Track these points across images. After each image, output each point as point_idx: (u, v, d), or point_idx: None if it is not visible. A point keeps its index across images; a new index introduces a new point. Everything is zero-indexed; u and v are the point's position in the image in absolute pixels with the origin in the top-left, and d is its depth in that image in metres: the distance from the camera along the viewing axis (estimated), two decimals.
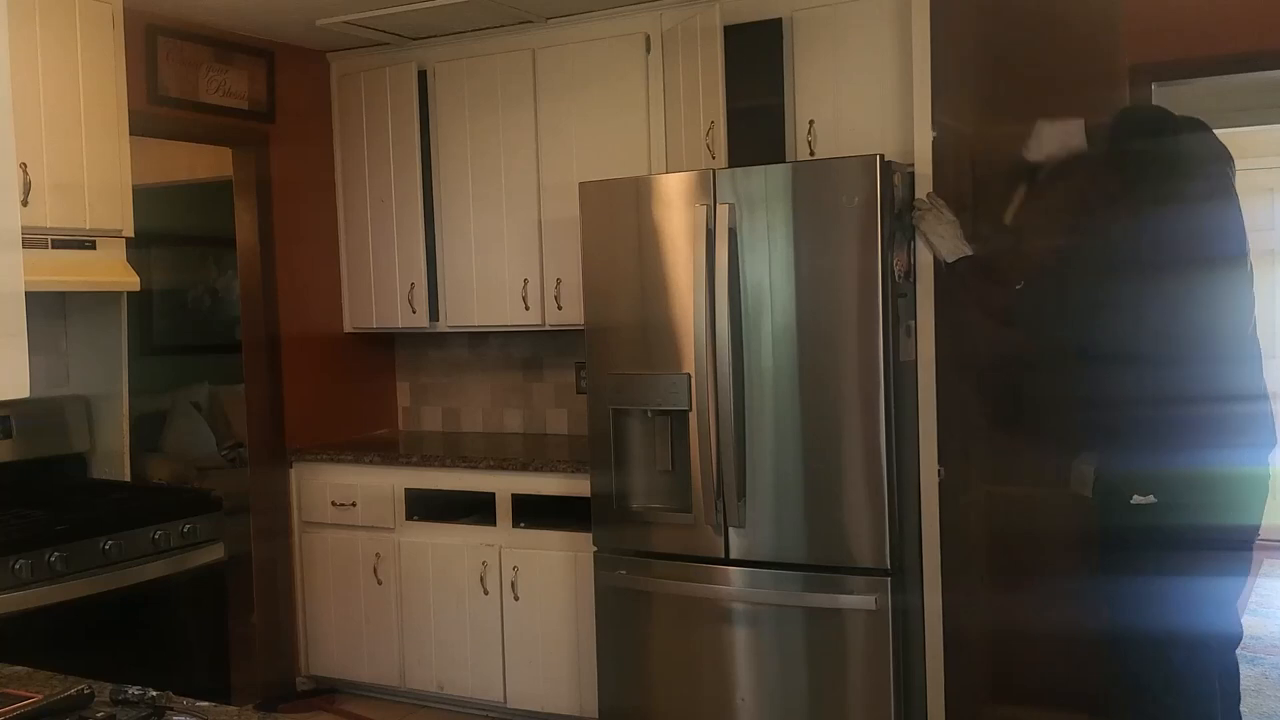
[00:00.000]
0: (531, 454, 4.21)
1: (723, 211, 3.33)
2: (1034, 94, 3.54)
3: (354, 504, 4.35)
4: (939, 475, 3.26)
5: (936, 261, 3.22)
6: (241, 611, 4.28)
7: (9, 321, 1.82)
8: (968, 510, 3.53)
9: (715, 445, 3.34)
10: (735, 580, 3.43)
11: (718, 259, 3.33)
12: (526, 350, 4.75)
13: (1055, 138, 3.19)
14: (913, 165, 3.29)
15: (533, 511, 4.03)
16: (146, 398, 5.87)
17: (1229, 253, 2.91)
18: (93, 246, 3.44)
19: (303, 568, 4.51)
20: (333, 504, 4.39)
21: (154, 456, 6.25)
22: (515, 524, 4.05)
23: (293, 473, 4.50)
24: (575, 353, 4.47)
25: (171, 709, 1.50)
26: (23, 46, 3.18)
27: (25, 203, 3.13)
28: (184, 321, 7.15)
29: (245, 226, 4.48)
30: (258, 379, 4.50)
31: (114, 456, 3.78)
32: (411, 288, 4.54)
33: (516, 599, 4.02)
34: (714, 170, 3.41)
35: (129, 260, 3.57)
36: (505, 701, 4.10)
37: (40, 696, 1.53)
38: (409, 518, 4.26)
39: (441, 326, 4.56)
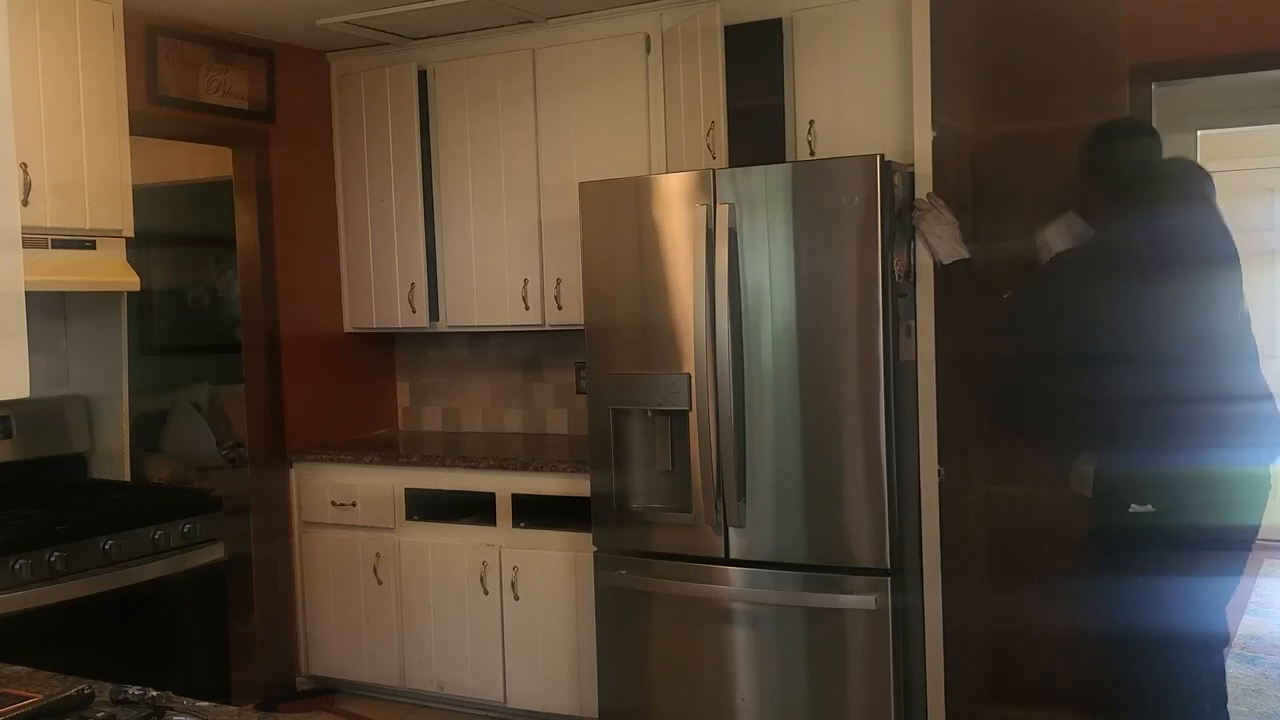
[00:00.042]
0: (531, 454, 4.21)
1: (723, 211, 3.33)
2: (1034, 94, 3.55)
3: (354, 504, 4.35)
4: (939, 475, 3.26)
5: (935, 261, 3.23)
6: (241, 611, 4.28)
7: (9, 321, 1.81)
8: (968, 510, 3.54)
9: (715, 445, 3.34)
10: (735, 580, 3.43)
11: (718, 259, 3.33)
12: (526, 350, 4.76)
13: (1060, 234, 3.18)
14: (913, 165, 3.29)
15: (533, 511, 4.03)
16: (146, 398, 5.87)
17: (1212, 254, 2.92)
18: (93, 246, 3.44)
19: (303, 568, 4.51)
20: (333, 504, 4.39)
21: (154, 456, 6.25)
22: (515, 524, 4.05)
23: (293, 473, 4.50)
24: (575, 353, 4.47)
25: (171, 709, 1.50)
26: (23, 46, 3.18)
27: (25, 203, 3.12)
28: (184, 321, 7.14)
29: (245, 226, 4.48)
30: (258, 379, 4.50)
31: (114, 456, 3.78)
32: (411, 288, 4.54)
33: (516, 599, 4.02)
34: (714, 170, 3.41)
35: (129, 260, 3.57)
36: (505, 701, 4.10)
37: (40, 696, 1.53)
38: (409, 518, 4.26)
39: (441, 326, 4.56)
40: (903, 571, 3.28)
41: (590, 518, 3.69)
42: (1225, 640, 3.06)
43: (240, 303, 4.60)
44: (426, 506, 4.25)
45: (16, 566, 2.95)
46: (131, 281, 3.57)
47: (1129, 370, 2.85)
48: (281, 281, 4.52)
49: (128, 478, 3.79)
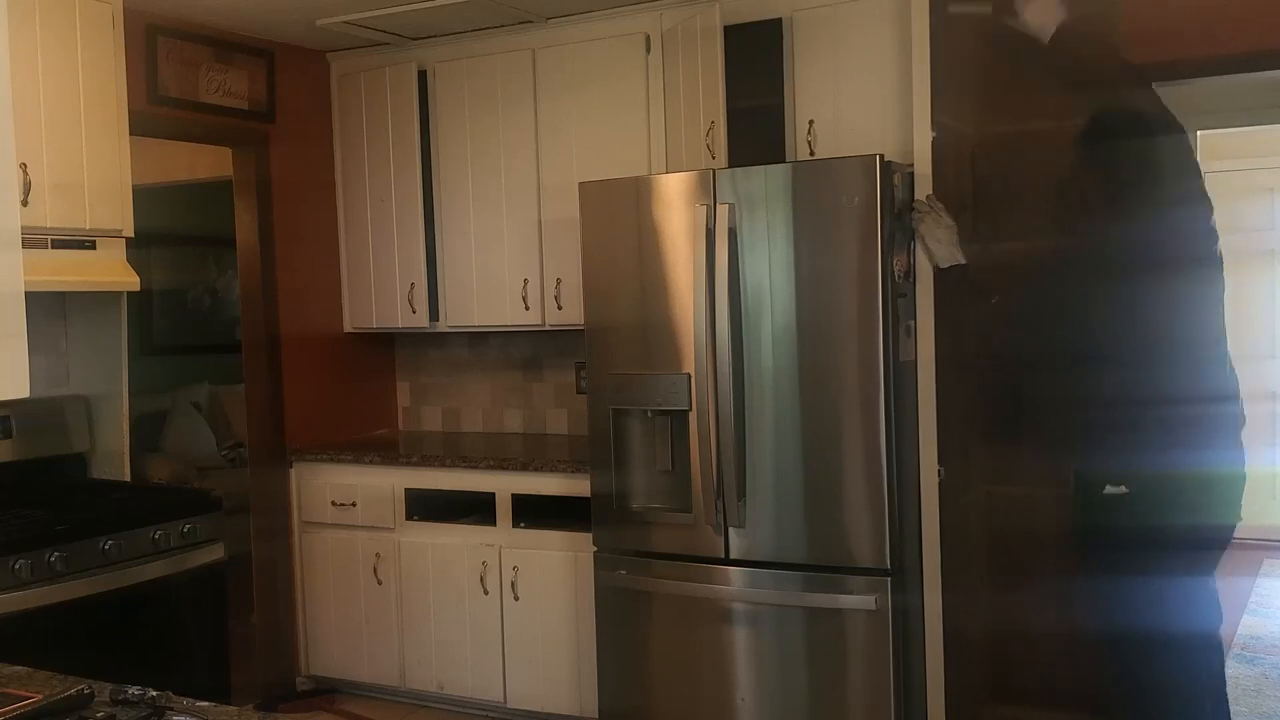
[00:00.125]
0: (531, 454, 4.21)
1: (723, 211, 3.33)
2: (1034, 94, 3.54)
3: (354, 504, 4.35)
4: (939, 475, 3.26)
5: (932, 265, 3.23)
6: (241, 611, 4.28)
7: (9, 321, 1.81)
8: (968, 510, 3.54)
9: (715, 445, 3.34)
10: (735, 580, 3.43)
11: (718, 259, 3.33)
12: (526, 350, 4.76)
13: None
14: (913, 165, 3.29)
15: (533, 511, 4.03)
16: (146, 398, 5.87)
17: (1199, 254, 2.93)
18: (93, 246, 3.44)
19: (303, 568, 4.51)
20: (333, 504, 4.39)
21: (154, 456, 6.25)
22: (515, 524, 4.05)
23: (293, 473, 4.51)
24: (575, 353, 4.47)
25: (171, 709, 1.50)
26: (23, 46, 3.18)
27: (25, 203, 3.12)
28: (184, 321, 7.14)
29: (245, 226, 4.48)
30: (258, 379, 4.50)
31: (114, 456, 3.78)
32: (411, 288, 4.54)
33: (516, 599, 4.02)
34: (714, 170, 3.41)
35: (129, 260, 3.57)
36: (505, 701, 4.10)
37: (40, 696, 1.53)
38: (409, 518, 4.26)
39: (441, 326, 4.56)
40: (903, 571, 3.28)
41: (590, 518, 3.70)
42: (1219, 626, 3.04)
43: (240, 303, 4.61)
44: (426, 506, 4.25)
45: (16, 566, 2.95)
46: (131, 281, 3.57)
47: (1114, 369, 2.87)
48: (281, 281, 4.52)
49: (128, 478, 3.79)
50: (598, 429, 3.63)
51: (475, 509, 4.17)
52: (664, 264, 3.47)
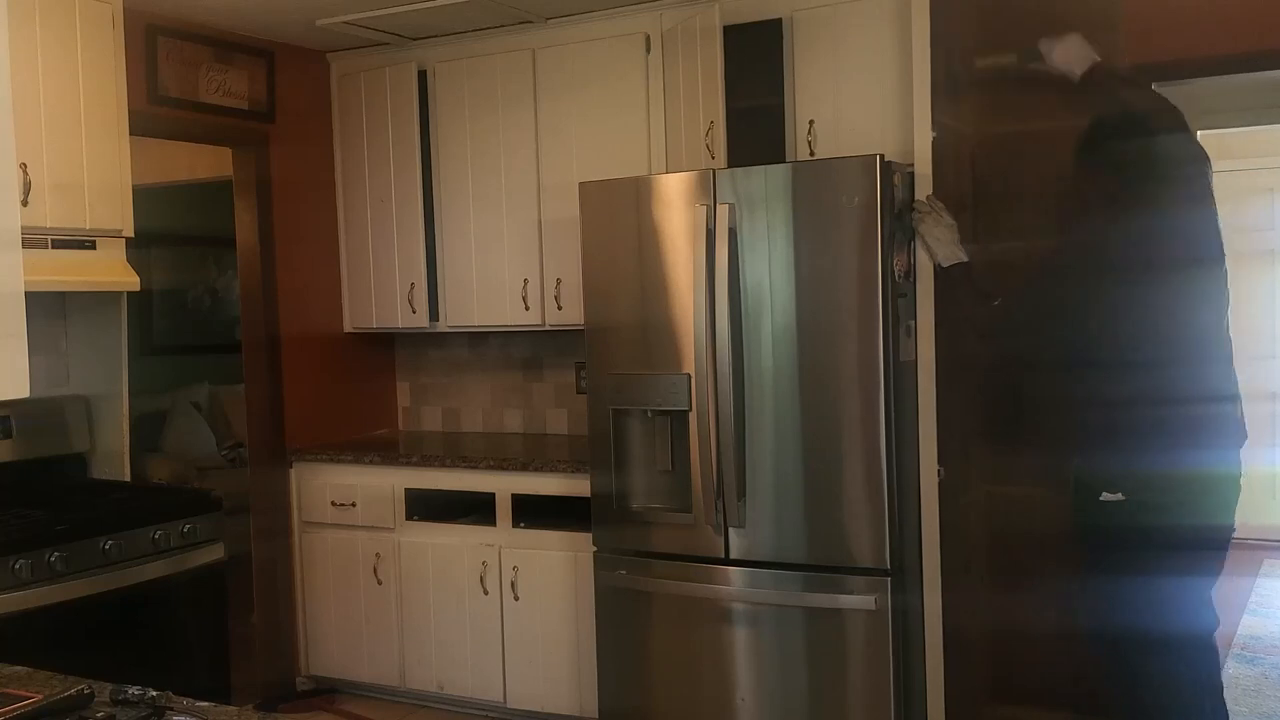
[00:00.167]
0: (531, 454, 4.21)
1: (723, 211, 3.33)
2: (1034, 94, 3.54)
3: (354, 504, 4.35)
4: (939, 475, 3.26)
5: (934, 263, 3.23)
6: (241, 611, 4.28)
7: (9, 321, 1.81)
8: (968, 510, 3.53)
9: (715, 445, 3.34)
10: (735, 580, 3.43)
11: (718, 259, 3.33)
12: (526, 350, 4.76)
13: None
14: (913, 165, 3.29)
15: (533, 511, 4.03)
16: (146, 398, 5.87)
17: (1205, 255, 2.93)
18: (93, 246, 3.44)
19: (303, 568, 4.51)
20: (333, 504, 4.39)
21: (154, 456, 6.25)
22: (515, 524, 4.05)
23: (293, 473, 4.51)
24: (575, 353, 4.47)
25: (171, 709, 1.50)
26: (23, 46, 3.18)
27: (25, 203, 3.13)
28: (184, 321, 7.14)
29: (245, 226, 4.48)
30: (258, 379, 4.50)
31: (114, 456, 3.78)
32: (411, 288, 4.54)
33: (516, 599, 4.02)
34: (714, 170, 3.41)
35: (129, 260, 3.57)
36: (505, 701, 4.10)
37: (40, 696, 1.53)
38: (409, 518, 4.26)
39: (441, 326, 4.56)
40: (903, 571, 3.28)
41: (590, 518, 3.69)
42: (1214, 625, 3.03)
43: (240, 303, 4.61)
44: (426, 506, 4.25)
45: (16, 566, 2.95)
46: (131, 281, 3.57)
47: (1115, 370, 2.87)
48: (281, 281, 4.52)
49: (128, 478, 3.79)
50: (598, 429, 3.63)
51: (475, 509, 4.17)
52: (664, 264, 3.47)
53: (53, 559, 3.03)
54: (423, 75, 4.50)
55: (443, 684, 4.22)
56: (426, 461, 4.25)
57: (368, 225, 4.66)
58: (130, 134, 3.57)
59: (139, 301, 4.85)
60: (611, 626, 3.66)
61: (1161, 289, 2.86)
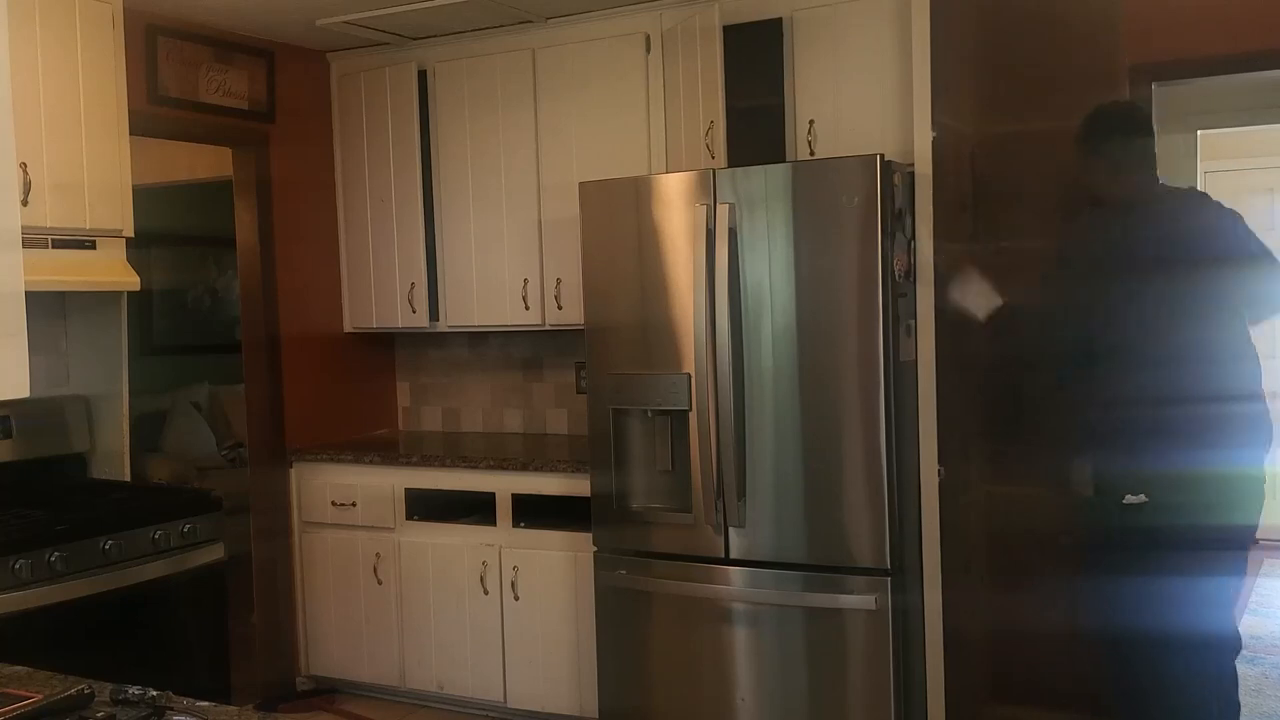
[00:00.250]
0: (531, 454, 4.21)
1: (723, 211, 3.33)
2: (1034, 94, 3.55)
3: (354, 504, 4.35)
4: (939, 475, 3.26)
5: (936, 261, 3.22)
6: (241, 611, 4.28)
7: (9, 321, 1.81)
8: (968, 510, 3.53)
9: (715, 445, 3.34)
10: (735, 580, 3.43)
11: (718, 259, 3.33)
12: (526, 350, 4.75)
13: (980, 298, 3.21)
14: (913, 165, 3.29)
15: (533, 511, 4.03)
16: (146, 398, 5.87)
17: (1215, 253, 2.93)
18: (93, 246, 3.44)
19: (303, 568, 4.51)
20: (333, 504, 4.39)
21: (154, 456, 6.24)
22: (515, 524, 4.05)
23: (293, 473, 4.50)
24: (575, 353, 4.47)
25: (171, 709, 1.50)
26: (23, 46, 3.18)
27: (25, 203, 3.12)
28: (184, 321, 7.14)
29: (245, 226, 4.48)
30: (258, 379, 4.50)
31: (114, 456, 3.78)
32: (411, 288, 4.54)
33: (516, 599, 4.02)
34: (714, 170, 3.41)
35: (129, 260, 3.57)
36: (505, 701, 4.10)
37: (40, 696, 1.53)
38: (409, 518, 4.26)
39: (441, 326, 4.56)
40: (903, 571, 3.28)
41: (590, 518, 3.69)
42: (1236, 646, 3.05)
43: (240, 303, 4.61)
44: (426, 506, 4.25)
45: (16, 566, 2.94)
46: (131, 281, 3.57)
47: (1115, 370, 2.87)
48: (281, 281, 4.52)
49: (128, 478, 3.79)
50: (598, 429, 3.63)
51: (475, 509, 4.17)
52: (664, 264, 3.47)
53: (53, 559, 3.03)
54: (423, 75, 4.50)
55: (443, 684, 4.21)
56: (426, 461, 4.25)
57: (368, 225, 4.66)
58: (130, 134, 3.57)
59: (139, 301, 4.85)
60: (611, 626, 3.66)
61: (1159, 288, 2.86)
